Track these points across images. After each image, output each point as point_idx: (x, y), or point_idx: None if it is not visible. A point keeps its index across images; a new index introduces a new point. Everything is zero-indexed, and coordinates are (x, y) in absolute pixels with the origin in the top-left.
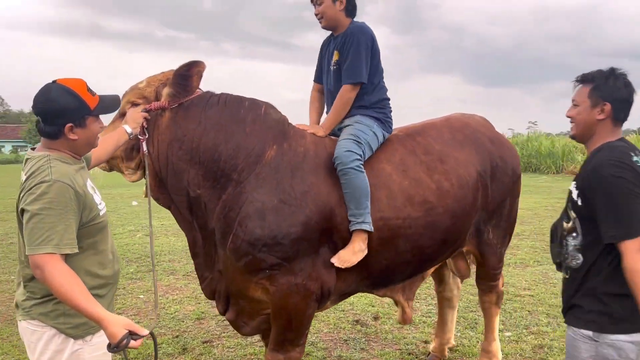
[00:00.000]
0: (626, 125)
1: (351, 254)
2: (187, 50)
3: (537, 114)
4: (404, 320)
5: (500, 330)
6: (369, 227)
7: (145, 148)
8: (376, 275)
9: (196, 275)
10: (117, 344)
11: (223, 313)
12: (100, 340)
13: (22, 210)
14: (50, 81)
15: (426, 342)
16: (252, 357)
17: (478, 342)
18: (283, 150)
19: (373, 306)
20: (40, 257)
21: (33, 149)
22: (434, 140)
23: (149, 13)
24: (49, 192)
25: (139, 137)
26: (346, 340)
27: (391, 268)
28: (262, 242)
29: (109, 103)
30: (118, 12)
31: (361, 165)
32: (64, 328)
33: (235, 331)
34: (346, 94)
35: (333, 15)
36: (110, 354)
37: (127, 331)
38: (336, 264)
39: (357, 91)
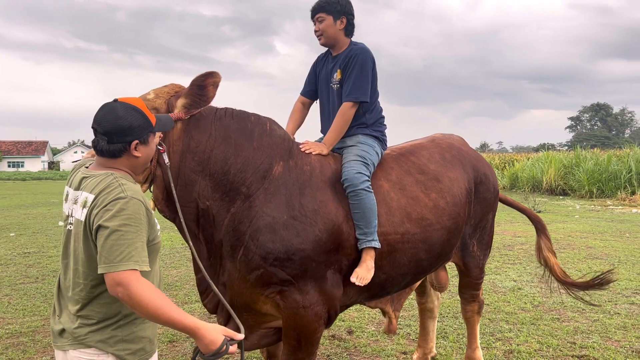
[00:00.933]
0: (541, 140)
1: (366, 272)
2: (99, 62)
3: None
4: (390, 330)
5: (464, 336)
6: (378, 244)
7: (167, 159)
8: (375, 288)
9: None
10: (218, 350)
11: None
12: None
13: (99, 227)
14: (112, 100)
15: (404, 353)
16: None
17: (452, 350)
18: (289, 167)
19: (344, 320)
20: (124, 274)
21: (87, 167)
22: (427, 160)
23: (56, 22)
24: (127, 208)
25: (158, 147)
26: (329, 356)
27: (389, 281)
28: (274, 256)
29: (165, 121)
30: (22, 20)
31: (370, 186)
32: (124, 354)
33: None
34: (347, 110)
35: (333, 34)
36: None
37: (224, 337)
38: (357, 283)
39: (357, 109)
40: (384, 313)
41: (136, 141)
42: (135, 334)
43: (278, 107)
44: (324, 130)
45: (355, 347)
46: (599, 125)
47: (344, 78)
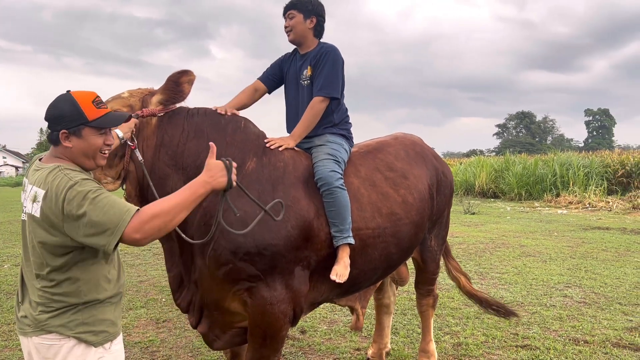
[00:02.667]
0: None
1: (344, 269)
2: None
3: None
4: (357, 327)
5: (418, 333)
6: (353, 240)
7: (140, 156)
8: (348, 283)
9: None
10: (228, 168)
11: (195, 326)
12: (118, 347)
13: (76, 219)
14: (66, 91)
15: (358, 349)
16: None
17: (404, 345)
18: (263, 164)
19: None
20: (129, 226)
21: (40, 159)
22: (394, 158)
23: None
24: (83, 187)
25: (129, 143)
26: (284, 355)
27: (362, 276)
28: (244, 251)
29: (113, 118)
30: None
31: (344, 184)
32: (85, 337)
33: (167, 355)
34: (317, 104)
35: (302, 31)
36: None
37: (222, 160)
38: (336, 280)
39: (327, 104)
40: (352, 310)
41: (64, 131)
42: (95, 317)
43: None
44: (290, 129)
45: (310, 345)
46: (524, 132)
47: (314, 74)
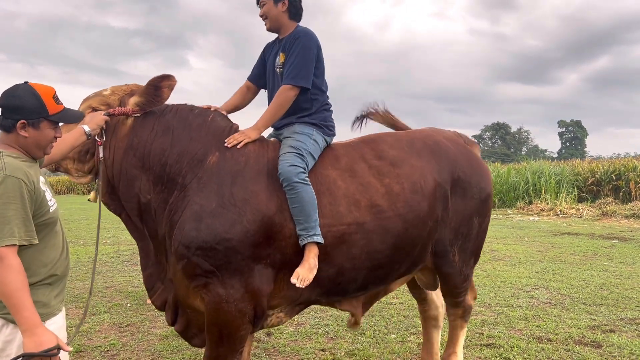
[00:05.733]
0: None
1: (308, 271)
2: None
3: None
4: (354, 325)
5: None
6: (320, 238)
7: (101, 153)
8: (326, 283)
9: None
10: (45, 351)
11: (172, 324)
12: (53, 327)
13: None
14: (23, 82)
15: (323, 350)
16: None
17: (369, 345)
18: (225, 157)
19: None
20: (0, 249)
21: None
22: (389, 146)
23: None
24: (3, 185)
25: (97, 139)
26: None
27: (342, 275)
28: (196, 245)
29: (70, 115)
30: None
31: (307, 178)
32: (11, 317)
33: (127, 358)
34: (284, 92)
35: (275, 15)
36: (61, 337)
37: (57, 343)
38: (297, 284)
39: (297, 93)
40: (352, 314)
41: (22, 121)
42: None
43: None
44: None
45: (274, 347)
46: (499, 143)
47: (286, 61)
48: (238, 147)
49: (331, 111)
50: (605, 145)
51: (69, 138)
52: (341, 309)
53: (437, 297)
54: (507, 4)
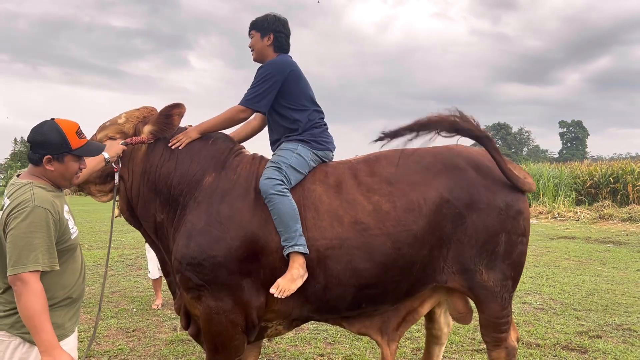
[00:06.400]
0: None
1: (289, 282)
2: None
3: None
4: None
5: None
6: (303, 249)
7: (117, 178)
8: (314, 300)
9: None
10: None
11: (186, 328)
12: (66, 348)
13: (8, 232)
14: (50, 118)
15: (321, 355)
16: None
17: (366, 350)
18: (220, 177)
19: (262, 337)
20: (25, 275)
21: (18, 175)
22: (389, 163)
23: None
24: (31, 215)
25: (114, 166)
26: None
27: (328, 292)
28: (186, 261)
29: (92, 148)
30: None
31: (284, 190)
32: (29, 337)
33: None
34: (233, 110)
35: (260, 49)
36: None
37: None
38: (275, 294)
39: (247, 115)
40: (377, 342)
41: (48, 156)
42: None
43: (195, 123)
44: (271, 144)
45: (275, 352)
46: (500, 143)
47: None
48: (180, 147)
49: (322, 127)
50: (606, 145)
51: (90, 164)
52: (354, 330)
53: (444, 319)
54: (508, 4)
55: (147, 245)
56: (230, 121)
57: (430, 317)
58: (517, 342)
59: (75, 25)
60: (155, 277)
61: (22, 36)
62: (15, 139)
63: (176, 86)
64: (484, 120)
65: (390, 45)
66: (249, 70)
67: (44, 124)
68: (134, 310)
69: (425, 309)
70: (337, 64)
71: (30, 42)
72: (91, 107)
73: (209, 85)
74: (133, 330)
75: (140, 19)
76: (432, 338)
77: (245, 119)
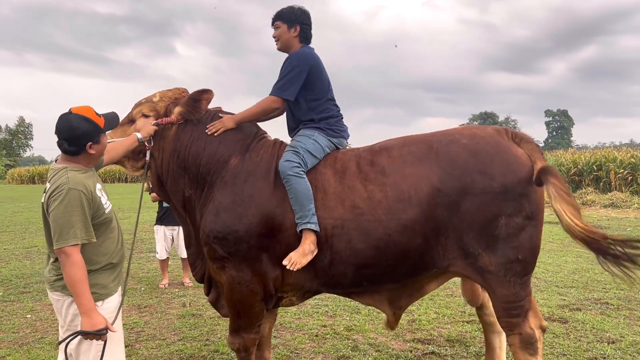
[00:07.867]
0: None
1: (301, 256)
2: None
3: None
4: (389, 325)
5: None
6: (315, 226)
7: (148, 156)
8: (322, 274)
9: None
10: (98, 332)
11: (207, 294)
12: (109, 305)
13: (50, 212)
14: (67, 111)
15: (324, 326)
16: (175, 354)
17: (365, 322)
18: (244, 160)
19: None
20: (67, 248)
21: (56, 160)
22: (389, 153)
23: None
24: (67, 197)
25: (146, 144)
26: None
27: (334, 267)
28: (213, 235)
29: (111, 120)
30: None
31: (301, 172)
32: None
33: (152, 334)
34: (266, 100)
35: (286, 40)
36: (115, 314)
37: (106, 325)
38: (288, 267)
39: (278, 105)
40: (387, 317)
41: (90, 142)
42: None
43: None
44: (289, 131)
45: (281, 324)
46: None
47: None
48: (216, 134)
49: (337, 117)
50: (591, 134)
51: (125, 143)
52: (364, 302)
53: (489, 301)
54: None
55: (155, 227)
56: (264, 112)
57: (477, 301)
58: (544, 331)
59: (60, 11)
60: (163, 258)
61: (5, 22)
62: None
63: (162, 73)
64: (471, 109)
65: (378, 34)
66: (235, 58)
67: (69, 119)
68: (142, 289)
69: (432, 287)
70: (325, 52)
71: (15, 28)
72: (76, 93)
73: (195, 72)
74: (145, 307)
75: (126, 5)
76: (487, 326)
77: (278, 109)
